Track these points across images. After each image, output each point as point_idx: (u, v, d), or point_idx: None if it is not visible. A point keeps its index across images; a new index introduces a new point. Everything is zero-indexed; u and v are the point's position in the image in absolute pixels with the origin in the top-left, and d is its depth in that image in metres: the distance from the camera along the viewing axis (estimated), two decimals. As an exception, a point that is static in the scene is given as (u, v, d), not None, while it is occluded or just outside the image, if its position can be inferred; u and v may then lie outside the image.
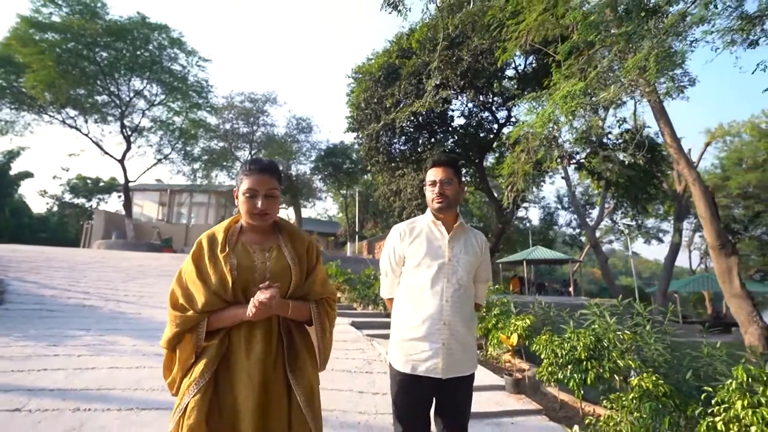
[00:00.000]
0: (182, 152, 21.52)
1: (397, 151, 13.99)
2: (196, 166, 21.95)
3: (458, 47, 10.78)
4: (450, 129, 14.02)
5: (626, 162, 9.84)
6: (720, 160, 27.47)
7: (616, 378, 4.03)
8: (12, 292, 6.95)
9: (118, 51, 17.29)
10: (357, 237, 29.19)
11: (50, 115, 18.11)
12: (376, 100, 12.65)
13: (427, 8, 7.23)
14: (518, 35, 6.09)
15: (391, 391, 1.90)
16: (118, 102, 18.64)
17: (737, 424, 2.70)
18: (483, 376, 4.88)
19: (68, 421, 3.10)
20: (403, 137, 13.65)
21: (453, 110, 14.04)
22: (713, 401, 2.93)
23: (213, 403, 1.36)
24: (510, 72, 12.93)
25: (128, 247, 17.01)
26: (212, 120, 22.42)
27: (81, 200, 35.04)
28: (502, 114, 13.88)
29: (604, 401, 3.72)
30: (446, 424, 1.84)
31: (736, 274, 5.78)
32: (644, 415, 3.29)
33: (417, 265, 1.92)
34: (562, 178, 23.41)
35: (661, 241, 34.22)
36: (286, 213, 27.69)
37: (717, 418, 2.81)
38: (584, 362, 4.06)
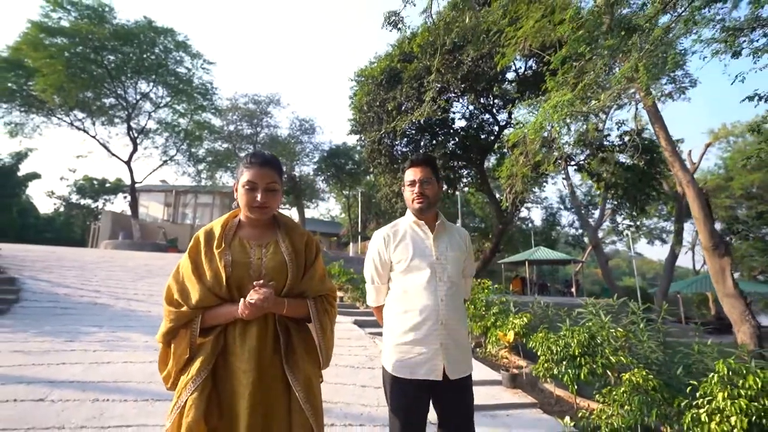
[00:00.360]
0: (187, 153, 21.81)
1: (399, 153, 14.16)
2: (201, 167, 22.23)
3: (459, 51, 10.96)
4: (451, 131, 14.19)
5: (625, 164, 9.97)
6: (723, 161, 27.45)
7: (610, 374, 4.20)
8: (27, 290, 7.19)
9: (125, 54, 17.60)
10: (359, 237, 29.35)
11: (59, 118, 18.44)
12: (378, 104, 12.84)
13: (427, 22, 7.40)
14: (516, 42, 6.26)
15: (387, 396, 1.85)
16: (124, 104, 18.95)
17: (719, 415, 2.87)
18: (481, 371, 5.05)
19: (89, 410, 3.31)
20: (405, 139, 13.84)
21: (454, 113, 14.22)
22: (698, 394, 3.09)
23: (212, 400, 1.36)
24: (510, 75, 13.10)
25: (135, 247, 17.27)
26: (216, 122, 22.75)
27: (87, 201, 35.41)
28: (502, 116, 14.05)
29: (597, 395, 3.89)
30: (455, 427, 1.78)
31: (729, 275, 5.92)
32: (633, 408, 3.45)
33: (406, 268, 1.89)
34: (563, 179, 23.48)
35: (664, 241, 34.19)
36: (290, 214, 27.92)
37: (701, 410, 2.98)
38: (578, 358, 4.23)
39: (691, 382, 3.30)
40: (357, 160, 26.47)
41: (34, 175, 31.73)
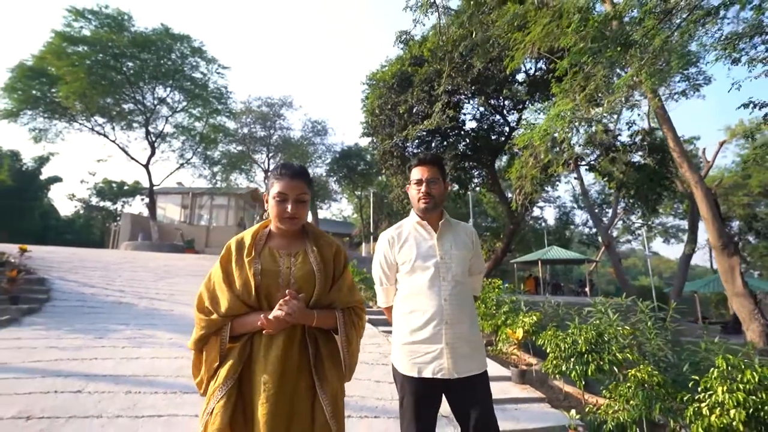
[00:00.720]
0: (202, 156, 22.23)
1: (411, 154, 14.31)
2: (216, 169, 22.64)
3: (469, 56, 11.10)
4: (462, 132, 14.31)
5: (636, 163, 9.97)
6: (741, 158, 26.93)
7: (616, 371, 4.31)
8: (57, 290, 7.57)
9: (143, 61, 18.07)
10: (372, 237, 29.57)
11: (80, 123, 19.03)
12: (389, 107, 13.03)
13: (438, 40, 7.58)
14: (524, 46, 6.38)
15: (398, 392, 1.88)
16: (143, 109, 19.45)
17: (719, 408, 2.99)
18: (491, 367, 5.14)
19: (123, 401, 3.57)
20: (416, 140, 14.00)
21: (465, 114, 14.31)
22: (699, 389, 3.22)
23: (237, 408, 1.37)
24: (521, 76, 13.15)
25: (153, 248, 17.71)
26: (231, 125, 23.16)
27: (106, 203, 36.36)
28: (513, 117, 14.12)
29: (604, 391, 4.02)
30: (471, 423, 1.76)
31: (739, 274, 5.96)
32: (638, 403, 3.58)
33: (411, 269, 1.92)
34: (575, 178, 23.33)
35: (681, 240, 33.71)
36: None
37: (703, 404, 3.10)
38: (585, 355, 4.35)
39: (693, 377, 3.42)
40: (369, 161, 26.70)
41: (56, 179, 32.77)
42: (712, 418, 2.97)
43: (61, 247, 16.00)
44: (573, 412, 3.67)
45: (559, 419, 3.90)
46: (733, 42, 4.37)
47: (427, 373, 1.77)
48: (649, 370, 3.76)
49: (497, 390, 4.51)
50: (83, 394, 3.65)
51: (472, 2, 7.37)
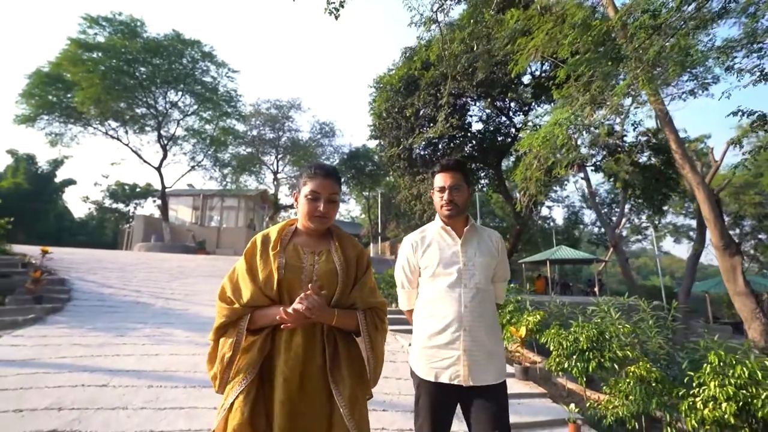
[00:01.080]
0: (213, 159, 22.65)
1: (418, 156, 14.50)
2: (226, 171, 23.04)
3: (474, 60, 11.25)
4: (468, 134, 14.45)
5: (641, 164, 10.02)
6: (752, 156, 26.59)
7: (617, 368, 4.44)
8: (77, 290, 7.86)
9: (156, 66, 18.52)
10: (380, 238, 29.79)
11: (95, 127, 19.55)
12: (397, 110, 13.23)
13: (441, 53, 7.75)
14: (528, 51, 6.51)
15: (415, 393, 1.88)
16: (155, 113, 19.90)
17: (712, 402, 3.13)
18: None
19: (146, 395, 3.80)
20: (423, 142, 14.19)
21: (471, 116, 14.48)
22: (694, 384, 3.36)
23: (258, 403, 1.36)
24: (526, 78, 13.25)
25: (166, 249, 18.08)
26: (240, 127, 23.54)
27: (119, 205, 37.01)
28: (518, 119, 14.22)
29: (605, 387, 4.17)
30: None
31: (740, 273, 6.06)
32: (636, 398, 3.73)
33: (432, 274, 1.91)
34: (582, 178, 23.27)
35: (691, 239, 33.36)
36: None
37: (697, 399, 3.25)
38: (587, 352, 4.50)
39: (689, 373, 3.55)
40: (376, 162, 26.91)
41: (70, 181, 33.47)
42: (705, 411, 3.11)
43: (78, 248, 16.43)
44: (572, 405, 3.83)
45: (559, 413, 4.06)
46: (726, 52, 4.47)
47: (444, 379, 1.78)
48: (648, 366, 3.90)
49: (501, 386, 4.68)
50: (108, 387, 3.90)
51: (471, 20, 7.54)
